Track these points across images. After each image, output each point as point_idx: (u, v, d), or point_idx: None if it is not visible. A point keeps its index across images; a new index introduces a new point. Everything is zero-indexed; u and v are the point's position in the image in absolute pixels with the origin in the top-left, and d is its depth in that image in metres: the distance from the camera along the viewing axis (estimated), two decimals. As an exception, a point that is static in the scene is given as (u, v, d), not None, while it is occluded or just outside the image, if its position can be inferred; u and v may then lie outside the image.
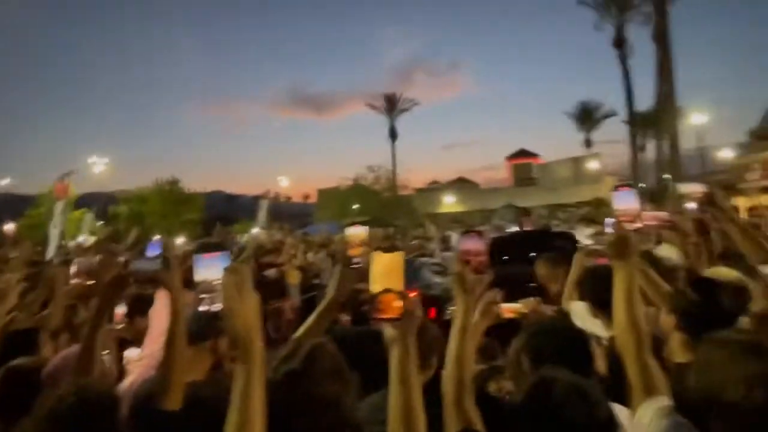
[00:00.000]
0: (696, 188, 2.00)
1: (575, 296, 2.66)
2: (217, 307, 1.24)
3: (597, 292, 2.19)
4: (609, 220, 2.84)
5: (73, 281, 2.63)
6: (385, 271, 1.22)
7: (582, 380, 1.22)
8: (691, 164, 28.65)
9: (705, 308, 1.80)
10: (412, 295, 4.53)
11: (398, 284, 1.21)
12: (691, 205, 1.88)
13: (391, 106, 48.40)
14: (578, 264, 2.96)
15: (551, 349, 1.51)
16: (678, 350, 1.79)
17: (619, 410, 1.50)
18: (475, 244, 1.50)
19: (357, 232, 1.95)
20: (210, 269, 1.38)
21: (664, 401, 1.30)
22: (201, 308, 1.34)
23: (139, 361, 2.06)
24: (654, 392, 1.33)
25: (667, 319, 1.92)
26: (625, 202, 1.54)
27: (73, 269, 2.59)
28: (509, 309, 2.52)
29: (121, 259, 3.36)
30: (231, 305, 1.03)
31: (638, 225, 1.51)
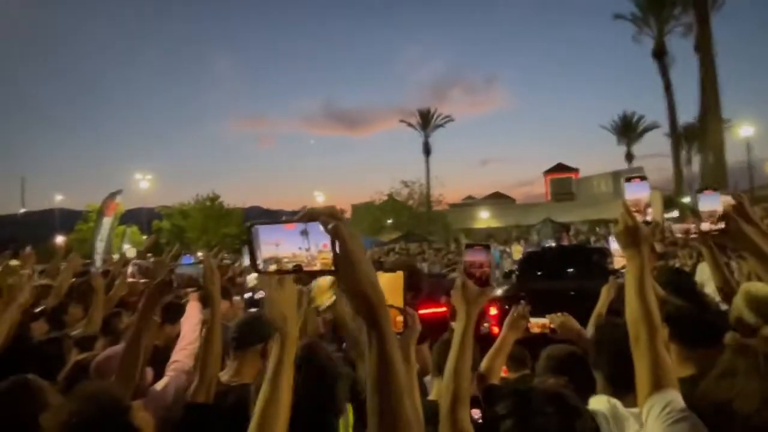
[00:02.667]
0: (723, 199, 1.95)
1: None
2: (260, 294, 1.31)
3: (615, 364, 1.76)
4: (676, 227, 2.81)
5: (130, 280, 2.82)
6: (386, 290, 1.29)
7: (560, 388, 1.21)
8: (739, 177, 27.49)
9: (693, 314, 1.78)
10: (443, 310, 4.51)
11: (399, 301, 1.29)
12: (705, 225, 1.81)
13: (426, 121, 48.61)
14: (606, 295, 2.94)
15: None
16: (676, 363, 1.73)
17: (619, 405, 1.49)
18: (479, 257, 1.51)
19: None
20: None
21: (674, 395, 1.27)
22: (246, 295, 1.41)
23: (172, 365, 2.18)
24: (664, 385, 1.30)
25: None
26: (637, 193, 1.54)
27: (130, 269, 2.78)
28: (537, 324, 2.53)
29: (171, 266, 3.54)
30: (271, 294, 1.12)
31: (648, 217, 1.49)
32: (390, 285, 1.29)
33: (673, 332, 1.80)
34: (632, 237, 1.48)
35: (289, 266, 0.80)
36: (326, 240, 0.76)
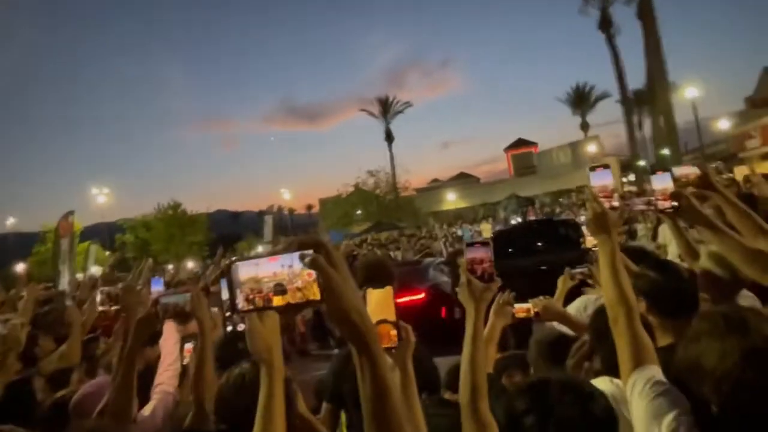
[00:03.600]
0: (689, 170, 2.03)
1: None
2: (242, 327, 1.29)
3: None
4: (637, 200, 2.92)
5: (100, 308, 2.74)
6: (378, 305, 1.31)
7: (576, 377, 1.28)
8: (689, 137, 28.62)
9: (669, 285, 1.85)
10: (421, 296, 4.60)
11: (390, 315, 1.31)
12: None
13: (386, 109, 48.49)
14: (563, 286, 3.03)
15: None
16: (658, 335, 1.81)
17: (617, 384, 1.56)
18: (480, 254, 1.55)
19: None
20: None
21: (654, 370, 1.34)
22: (228, 328, 1.39)
23: (156, 388, 2.15)
24: (644, 362, 1.37)
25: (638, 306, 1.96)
26: (602, 180, 1.62)
27: (98, 297, 2.70)
28: (521, 309, 2.59)
29: (142, 289, 3.45)
30: (252, 326, 1.11)
31: (615, 203, 1.57)
32: (380, 300, 1.31)
33: (650, 305, 1.86)
34: (601, 223, 1.54)
35: (270, 285, 0.77)
36: None
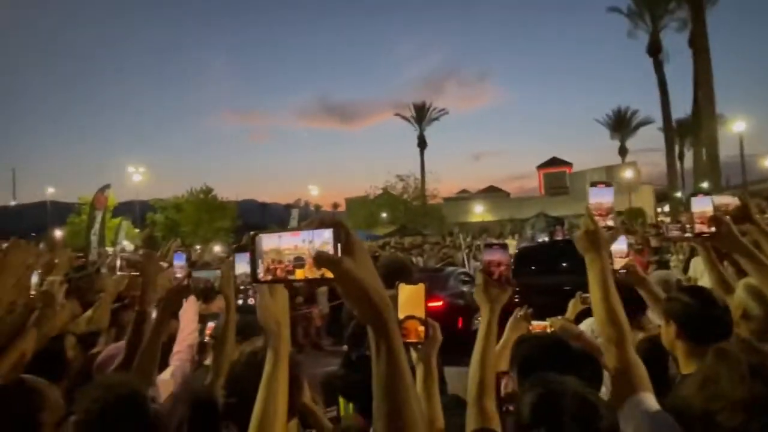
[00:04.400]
0: (728, 200, 1.98)
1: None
2: (252, 300, 1.34)
3: None
4: (670, 226, 2.86)
5: (119, 273, 2.85)
6: (408, 300, 1.34)
7: (588, 390, 1.22)
8: (731, 172, 27.69)
9: (703, 312, 1.80)
10: (439, 303, 4.56)
11: (420, 312, 1.33)
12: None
13: (421, 115, 48.50)
14: (573, 309, 2.99)
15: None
16: (684, 362, 1.77)
17: None
18: (498, 256, 1.55)
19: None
20: (244, 264, 1.52)
21: (648, 398, 1.30)
22: (238, 302, 1.44)
23: (175, 356, 2.32)
24: (639, 388, 1.33)
25: (667, 330, 1.90)
26: (600, 198, 1.57)
27: (118, 263, 2.81)
28: (538, 326, 2.57)
29: (165, 264, 3.55)
30: (263, 300, 1.15)
31: (610, 222, 1.53)
32: (412, 296, 1.34)
33: (680, 329, 1.82)
34: (592, 241, 1.50)
35: (291, 257, 0.78)
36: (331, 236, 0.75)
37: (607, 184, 1.56)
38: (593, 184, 1.57)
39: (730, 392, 1.02)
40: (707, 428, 1.04)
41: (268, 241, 0.80)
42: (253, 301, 1.34)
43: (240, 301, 1.46)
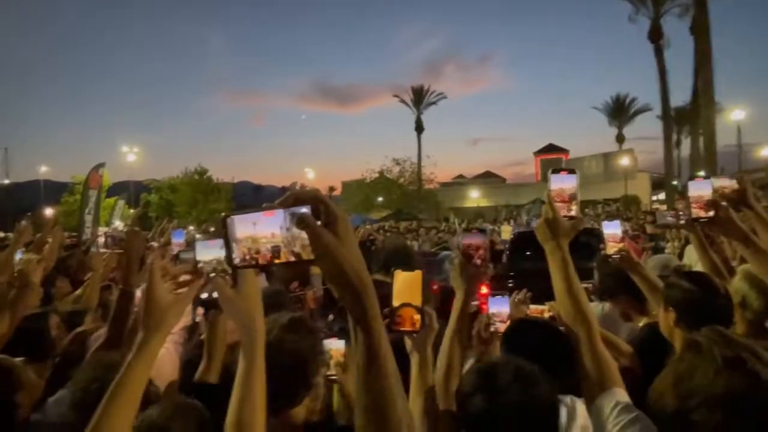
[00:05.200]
0: (726, 183, 1.93)
1: None
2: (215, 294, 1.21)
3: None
4: (664, 213, 2.83)
5: (103, 250, 2.80)
6: (404, 288, 1.31)
7: (524, 363, 1.28)
8: (727, 162, 27.70)
9: (703, 298, 1.76)
10: (434, 287, 4.47)
11: (416, 300, 1.30)
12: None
13: (419, 98, 48.09)
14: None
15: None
16: (679, 349, 1.75)
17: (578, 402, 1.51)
18: (476, 240, 1.56)
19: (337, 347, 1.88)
20: (210, 251, 1.38)
21: (621, 395, 1.25)
22: (203, 295, 1.31)
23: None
24: (609, 384, 1.27)
25: (665, 317, 1.86)
26: (561, 184, 1.48)
27: (101, 240, 2.76)
28: (536, 310, 2.55)
29: (153, 244, 3.48)
30: (225, 296, 1.05)
31: (573, 212, 1.43)
32: (408, 283, 1.30)
33: (679, 316, 1.78)
34: (552, 230, 1.42)
35: (267, 246, 0.71)
36: None
37: (570, 171, 1.48)
38: (555, 171, 1.49)
39: (705, 388, 0.95)
40: (683, 426, 0.98)
41: (242, 228, 0.73)
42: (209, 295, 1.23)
43: (205, 294, 1.31)
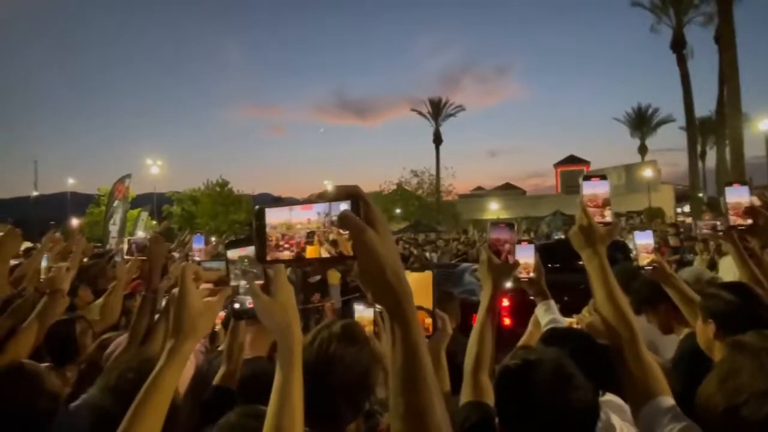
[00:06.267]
0: (751, 200, 1.86)
1: None
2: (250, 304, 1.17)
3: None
4: (702, 223, 2.73)
5: (127, 257, 2.83)
6: (414, 290, 1.25)
7: (567, 362, 1.22)
8: (755, 173, 26.99)
9: (746, 309, 1.69)
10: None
11: (427, 302, 1.26)
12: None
13: (437, 111, 48.23)
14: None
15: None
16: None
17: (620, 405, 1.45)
18: (504, 234, 1.54)
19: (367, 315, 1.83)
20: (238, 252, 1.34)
21: (668, 402, 1.21)
22: (235, 305, 1.24)
23: None
24: (657, 391, 1.24)
25: (704, 329, 1.79)
26: (593, 189, 1.48)
27: (125, 247, 2.79)
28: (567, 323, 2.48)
29: (175, 254, 3.49)
30: (262, 305, 1.00)
31: (607, 218, 1.43)
32: (419, 285, 1.26)
33: (719, 328, 1.71)
34: (587, 237, 1.42)
35: (303, 233, 0.68)
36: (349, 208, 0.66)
37: (602, 177, 1.48)
38: (586, 177, 1.50)
39: (752, 384, 0.98)
40: (732, 424, 0.99)
41: (278, 215, 0.70)
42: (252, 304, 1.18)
43: (236, 305, 1.24)
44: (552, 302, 2.20)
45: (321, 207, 0.67)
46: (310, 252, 0.68)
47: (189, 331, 1.06)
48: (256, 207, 0.74)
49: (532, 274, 2.03)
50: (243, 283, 1.15)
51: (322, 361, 1.38)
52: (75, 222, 19.52)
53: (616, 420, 1.44)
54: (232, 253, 1.18)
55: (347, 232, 0.66)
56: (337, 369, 1.33)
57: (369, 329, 1.75)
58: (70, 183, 43.36)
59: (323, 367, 1.36)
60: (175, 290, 1.07)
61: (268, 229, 0.71)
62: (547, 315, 2.13)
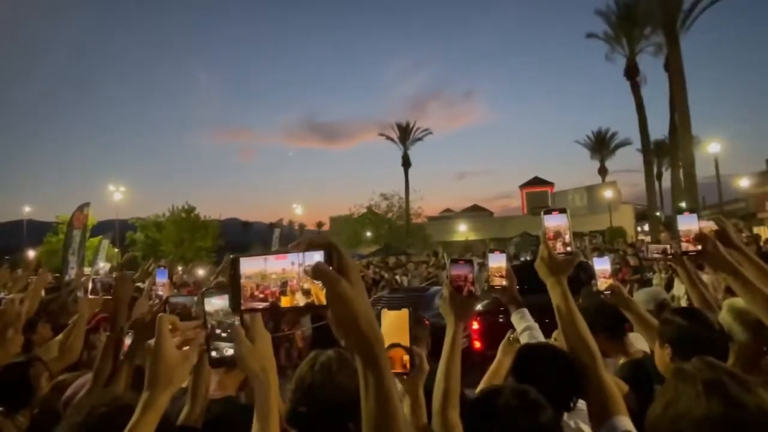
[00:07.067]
0: (705, 225, 1.98)
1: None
2: (230, 351, 1.18)
3: None
4: (653, 247, 2.86)
5: (91, 297, 2.74)
6: (392, 328, 1.29)
7: (527, 387, 1.30)
8: (708, 192, 28.31)
9: (697, 334, 1.79)
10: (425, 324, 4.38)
11: (405, 340, 1.28)
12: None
13: (405, 135, 48.84)
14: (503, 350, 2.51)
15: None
16: None
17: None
18: (463, 271, 1.59)
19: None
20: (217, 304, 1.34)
21: (625, 422, 1.29)
22: (212, 353, 1.24)
23: None
24: (614, 410, 1.32)
25: (662, 354, 1.88)
26: (554, 222, 1.58)
27: (90, 285, 2.71)
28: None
29: (140, 285, 3.40)
30: (242, 349, 1.04)
31: (568, 248, 1.54)
32: (395, 323, 1.28)
33: (676, 352, 1.80)
34: (549, 267, 1.54)
35: (278, 282, 0.70)
36: (322, 258, 0.68)
37: (561, 210, 1.59)
38: (547, 212, 1.59)
39: (689, 412, 1.00)
40: None
41: (252, 264, 0.72)
42: (230, 352, 1.18)
43: (213, 353, 1.23)
44: (525, 310, 2.27)
45: (295, 257, 0.70)
46: (285, 302, 0.70)
47: (165, 383, 1.05)
48: (231, 256, 0.76)
49: (504, 282, 2.08)
50: (218, 331, 1.15)
51: (327, 382, 1.49)
52: (31, 254, 18.69)
53: (586, 429, 1.50)
54: (209, 304, 1.18)
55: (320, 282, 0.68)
56: (343, 387, 1.41)
57: None
58: (27, 210, 41.67)
59: (330, 388, 1.45)
60: (151, 342, 1.06)
61: (242, 280, 0.72)
62: (522, 322, 2.23)
